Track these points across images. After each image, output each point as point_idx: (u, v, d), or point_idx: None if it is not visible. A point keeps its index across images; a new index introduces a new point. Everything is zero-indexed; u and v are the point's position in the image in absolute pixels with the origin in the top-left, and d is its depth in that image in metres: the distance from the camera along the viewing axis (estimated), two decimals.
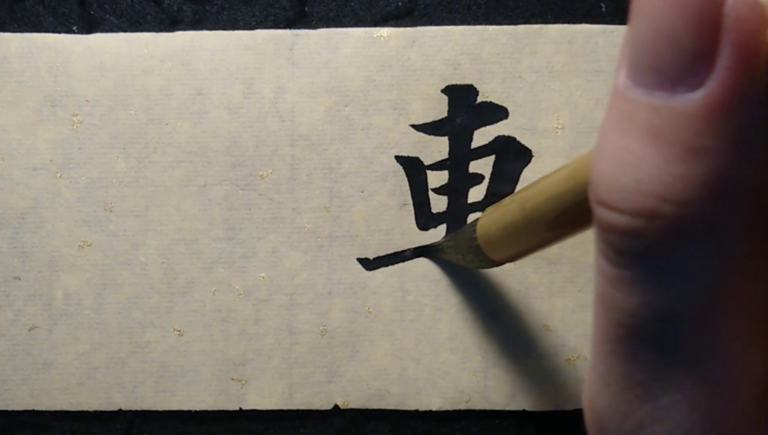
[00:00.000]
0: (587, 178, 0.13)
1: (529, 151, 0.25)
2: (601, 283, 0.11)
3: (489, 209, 0.20)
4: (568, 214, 0.15)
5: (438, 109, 0.25)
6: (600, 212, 0.10)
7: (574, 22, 0.25)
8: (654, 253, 0.09)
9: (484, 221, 0.20)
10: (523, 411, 0.25)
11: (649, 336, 0.10)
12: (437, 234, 0.26)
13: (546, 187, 0.16)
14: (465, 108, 0.25)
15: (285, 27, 0.26)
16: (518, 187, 0.25)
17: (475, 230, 0.21)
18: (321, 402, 0.25)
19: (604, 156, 0.10)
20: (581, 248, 0.25)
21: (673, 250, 0.09)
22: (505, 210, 0.19)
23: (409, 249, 0.25)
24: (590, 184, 0.10)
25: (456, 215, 0.25)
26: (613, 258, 0.10)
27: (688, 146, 0.09)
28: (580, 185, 0.14)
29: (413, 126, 0.25)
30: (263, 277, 0.25)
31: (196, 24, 0.26)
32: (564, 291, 0.25)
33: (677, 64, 0.09)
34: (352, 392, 0.25)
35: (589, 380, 0.12)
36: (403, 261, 0.25)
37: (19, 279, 0.25)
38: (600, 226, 0.10)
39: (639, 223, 0.09)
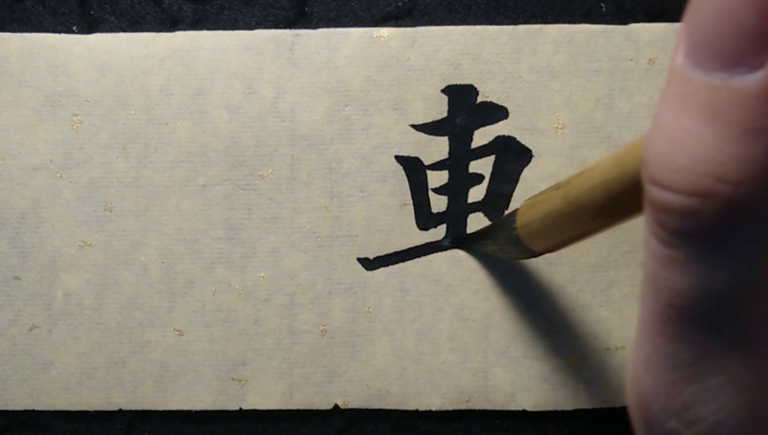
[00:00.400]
0: (635, 166, 0.13)
1: (529, 151, 0.25)
2: (651, 263, 0.11)
3: (528, 200, 0.20)
4: (614, 202, 0.15)
5: (438, 109, 0.25)
6: (653, 191, 0.10)
7: (574, 22, 0.25)
8: (707, 233, 0.09)
9: (524, 211, 0.20)
10: (523, 411, 0.25)
11: (698, 317, 0.10)
12: (437, 234, 0.26)
13: (590, 176, 0.16)
14: (465, 108, 0.25)
15: (285, 27, 0.26)
16: (518, 188, 0.25)
17: (514, 220, 0.21)
18: (321, 402, 0.25)
19: (659, 135, 0.10)
20: (581, 248, 0.25)
21: (726, 231, 0.09)
22: (547, 200, 0.18)
23: (445, 238, 0.25)
24: (643, 163, 0.10)
25: (456, 215, 0.25)
26: (665, 238, 0.10)
27: (745, 127, 0.09)
28: (626, 173, 0.14)
29: (413, 126, 0.25)
30: (263, 277, 0.25)
31: (196, 24, 0.26)
32: (564, 291, 0.25)
33: (738, 45, 0.09)
34: (352, 392, 0.25)
35: (633, 361, 0.12)
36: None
37: (19, 279, 0.25)
38: (652, 205, 0.10)
39: (693, 203, 0.09)
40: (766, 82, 0.09)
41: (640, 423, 0.12)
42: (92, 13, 0.26)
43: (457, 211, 0.26)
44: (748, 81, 0.09)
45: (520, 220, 0.20)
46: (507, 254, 0.23)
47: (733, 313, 0.10)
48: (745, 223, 0.09)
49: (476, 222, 0.26)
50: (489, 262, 0.25)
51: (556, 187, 0.18)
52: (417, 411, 0.25)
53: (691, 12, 0.10)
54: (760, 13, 0.09)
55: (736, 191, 0.09)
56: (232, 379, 0.25)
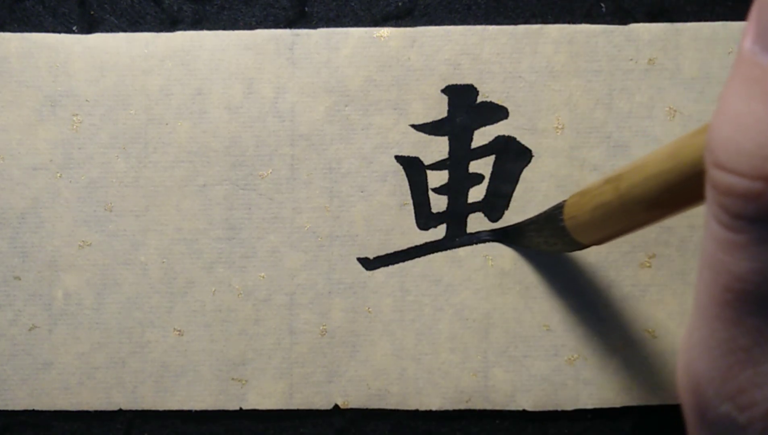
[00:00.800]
0: (692, 158, 0.13)
1: (529, 151, 0.25)
2: (711, 247, 0.11)
3: (576, 193, 0.20)
4: (669, 193, 0.15)
5: (438, 109, 0.25)
6: (717, 175, 0.10)
7: (574, 22, 0.25)
8: None
9: (571, 204, 0.20)
10: (523, 411, 0.25)
11: (758, 301, 0.10)
12: (437, 234, 0.26)
13: (644, 167, 0.16)
14: (465, 108, 0.25)
15: (285, 27, 0.26)
16: (518, 188, 0.25)
17: (562, 213, 0.21)
18: (321, 402, 0.25)
19: (725, 120, 0.10)
20: None
21: None
22: (596, 192, 0.19)
23: (484, 231, 0.25)
24: (708, 147, 0.10)
25: (456, 215, 0.25)
26: (727, 222, 0.10)
27: None
28: (684, 163, 0.14)
29: (413, 126, 0.25)
30: (263, 277, 0.25)
31: (196, 24, 0.26)
32: (564, 291, 0.25)
33: None
34: (352, 392, 0.25)
35: (687, 346, 0.12)
36: (478, 243, 0.25)
37: (19, 279, 0.25)
38: (716, 188, 0.10)
39: (757, 187, 0.09)
40: None
41: (692, 407, 0.11)
42: (92, 13, 0.26)
43: (457, 211, 0.26)
44: None
45: (568, 213, 0.20)
46: (552, 247, 0.23)
47: None
48: None
49: (476, 222, 0.26)
50: (489, 261, 0.25)
51: (606, 180, 0.18)
52: (417, 411, 0.25)
53: (762, 4, 0.10)
54: None
55: None
56: (232, 379, 0.25)
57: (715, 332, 0.11)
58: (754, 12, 0.10)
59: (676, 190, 0.15)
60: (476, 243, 0.25)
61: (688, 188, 0.14)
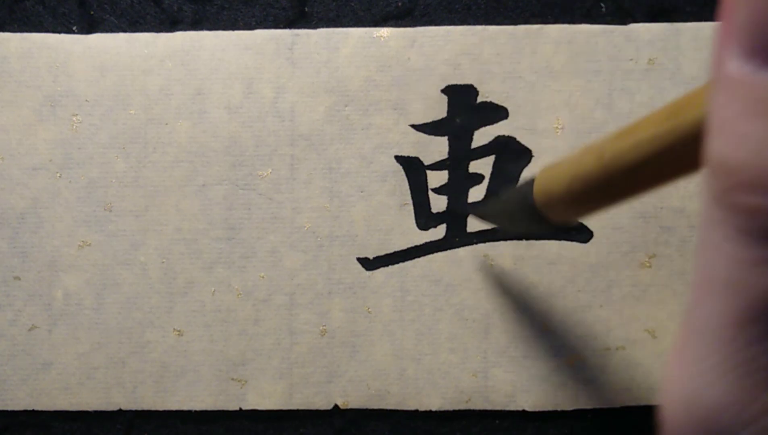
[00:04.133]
0: (694, 117, 0.13)
1: (529, 151, 0.25)
2: (727, 268, 0.11)
3: (549, 165, 0.19)
4: (665, 159, 0.14)
5: (438, 109, 0.25)
6: (738, 199, 0.10)
7: (574, 22, 0.25)
8: None
9: (543, 178, 0.19)
10: (523, 411, 0.25)
11: None
12: (437, 234, 0.25)
13: (634, 132, 0.15)
14: (465, 108, 0.25)
15: (285, 27, 0.26)
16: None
17: (531, 189, 0.19)
18: (321, 402, 0.25)
19: (736, 144, 0.10)
20: (581, 248, 0.25)
21: None
22: (575, 164, 0.17)
23: (483, 230, 0.25)
24: (718, 173, 0.10)
25: (456, 215, 0.25)
26: (748, 241, 0.10)
27: None
28: (685, 123, 0.13)
29: (413, 126, 0.25)
30: (263, 277, 0.25)
31: (196, 24, 0.26)
32: (564, 291, 0.25)
33: None
34: (352, 392, 0.25)
35: (688, 377, 0.11)
36: (478, 243, 0.25)
37: (19, 279, 0.25)
38: (737, 211, 0.10)
39: None
40: None
41: None
42: (92, 13, 0.26)
43: (457, 211, 0.25)
44: None
45: (538, 188, 0.19)
46: (518, 227, 0.21)
47: None
48: None
49: (476, 222, 0.26)
50: (488, 261, 0.25)
51: (585, 149, 0.17)
52: (417, 411, 0.25)
53: (747, 12, 0.09)
54: None
55: None
56: (232, 379, 0.25)
57: (731, 355, 0.11)
58: (731, 29, 0.10)
59: (673, 154, 0.14)
60: (476, 243, 0.25)
61: (686, 152, 0.13)
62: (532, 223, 0.20)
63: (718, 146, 0.10)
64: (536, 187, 0.19)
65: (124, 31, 0.26)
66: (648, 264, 0.25)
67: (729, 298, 0.11)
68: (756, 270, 0.10)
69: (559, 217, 0.19)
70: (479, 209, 0.24)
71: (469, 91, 0.25)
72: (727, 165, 0.10)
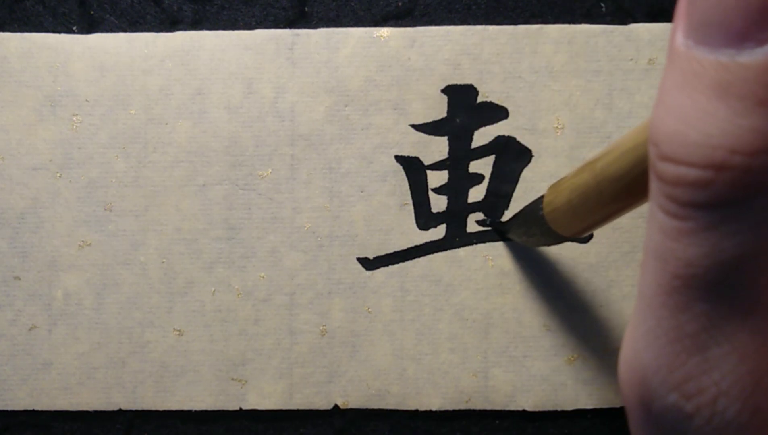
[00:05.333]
0: None
1: (529, 151, 0.25)
2: (657, 237, 0.11)
3: (557, 181, 0.19)
4: (645, 168, 0.14)
5: (438, 109, 0.25)
6: (664, 167, 0.10)
7: (574, 22, 0.25)
8: (721, 204, 0.10)
9: (550, 192, 0.19)
10: (523, 411, 0.25)
11: (705, 286, 0.10)
12: (437, 234, 0.25)
13: (620, 144, 0.15)
14: (465, 108, 0.25)
15: (285, 27, 0.26)
16: (518, 188, 0.25)
17: (541, 202, 0.20)
18: (321, 402, 0.25)
19: (668, 114, 0.10)
20: (581, 248, 0.25)
21: (739, 200, 0.10)
22: (574, 176, 0.18)
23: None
24: (652, 142, 0.11)
25: (456, 215, 0.25)
26: (675, 211, 0.10)
27: (758, 99, 0.09)
28: None
29: (413, 126, 0.25)
30: (263, 277, 0.25)
31: (196, 24, 0.26)
32: (564, 291, 0.25)
33: (744, 20, 0.09)
34: (352, 392, 0.25)
35: (631, 338, 0.12)
36: (478, 243, 0.25)
37: (19, 279, 0.25)
38: (663, 180, 0.10)
39: (708, 175, 0.10)
40: None
41: (637, 401, 0.12)
42: (92, 13, 0.26)
43: (457, 211, 0.25)
44: (759, 55, 0.09)
45: (547, 201, 0.20)
46: (531, 238, 0.22)
47: (739, 282, 0.10)
48: (757, 193, 0.10)
49: (476, 222, 0.26)
50: (489, 261, 0.25)
51: (584, 163, 0.17)
52: (417, 411, 0.25)
53: None
54: None
55: (750, 161, 0.09)
56: (232, 379, 0.25)
57: (661, 321, 0.11)
58: (683, 6, 0.10)
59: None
60: (476, 243, 0.25)
61: None
62: (544, 237, 0.21)
63: (654, 115, 0.10)
64: (545, 201, 0.20)
65: (124, 31, 0.26)
66: None
67: (658, 267, 0.11)
68: (681, 240, 0.10)
69: (566, 230, 0.19)
70: (502, 224, 0.25)
71: (469, 91, 0.25)
72: (656, 134, 0.10)
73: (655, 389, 0.11)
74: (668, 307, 0.11)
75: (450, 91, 0.25)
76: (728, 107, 0.09)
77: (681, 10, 0.10)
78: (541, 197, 0.20)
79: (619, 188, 0.15)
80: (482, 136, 0.25)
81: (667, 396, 0.11)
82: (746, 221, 0.10)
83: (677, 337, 0.11)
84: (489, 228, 0.25)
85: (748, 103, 0.09)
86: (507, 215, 0.25)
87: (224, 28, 0.26)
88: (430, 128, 0.25)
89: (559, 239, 0.20)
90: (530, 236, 0.22)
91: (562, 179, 0.19)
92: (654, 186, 0.11)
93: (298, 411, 0.26)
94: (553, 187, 0.19)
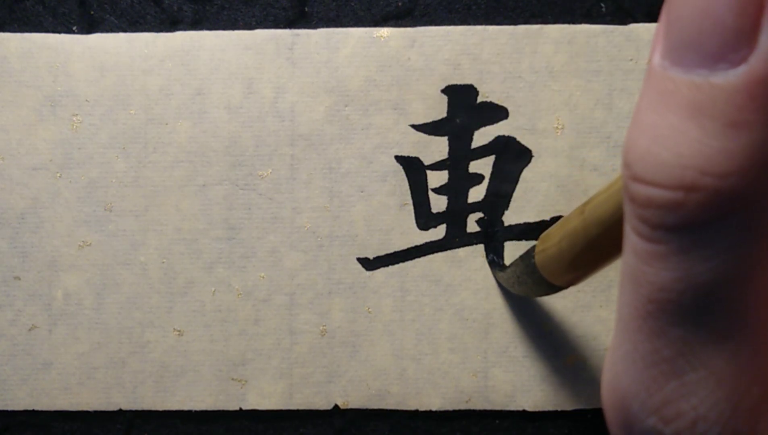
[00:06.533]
0: None
1: (529, 151, 0.25)
2: (631, 260, 0.11)
3: (550, 227, 0.19)
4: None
5: (438, 109, 0.25)
6: (635, 188, 0.10)
7: (574, 22, 0.25)
8: (692, 226, 0.10)
9: (542, 237, 0.19)
10: (523, 411, 0.25)
11: (679, 311, 0.10)
12: (437, 234, 0.25)
13: (610, 186, 0.15)
14: (465, 108, 0.25)
15: (285, 27, 0.26)
16: (518, 188, 0.25)
17: (534, 249, 0.19)
18: (321, 402, 0.25)
19: (641, 133, 0.10)
20: None
21: (711, 223, 0.10)
22: (565, 220, 0.17)
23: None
24: (624, 162, 0.10)
25: (456, 215, 0.25)
26: (647, 233, 0.10)
27: (729, 121, 0.09)
28: None
29: (413, 126, 0.25)
30: (263, 277, 0.25)
31: (196, 24, 0.26)
32: (564, 291, 0.25)
33: (719, 42, 0.09)
34: (352, 392, 0.25)
35: (611, 361, 0.12)
36: (478, 243, 0.25)
37: (19, 279, 0.25)
38: (635, 202, 0.10)
39: (678, 196, 0.10)
40: (749, 76, 0.09)
41: (618, 424, 0.12)
42: (92, 13, 0.26)
43: (457, 211, 0.26)
44: (731, 76, 0.09)
45: (539, 249, 0.19)
46: (522, 287, 0.21)
47: (714, 307, 0.10)
48: (728, 216, 0.09)
49: (476, 222, 0.26)
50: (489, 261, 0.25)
51: (575, 209, 0.17)
52: (417, 411, 0.25)
53: (669, 12, 0.10)
54: (740, 10, 0.09)
55: (721, 183, 0.09)
56: (232, 379, 0.25)
57: (638, 345, 0.11)
58: (661, 27, 0.10)
59: None
60: (476, 243, 0.25)
61: None
62: (536, 286, 0.20)
63: (627, 135, 0.10)
64: (537, 248, 0.19)
65: (124, 31, 0.26)
66: None
67: (633, 290, 0.11)
68: (653, 264, 0.10)
69: (558, 278, 0.19)
70: (499, 275, 0.24)
71: (469, 91, 0.25)
72: (629, 154, 0.10)
73: (635, 413, 0.11)
74: (644, 332, 0.11)
75: (450, 91, 0.25)
76: (700, 127, 0.09)
77: (659, 31, 0.10)
78: (533, 248, 0.20)
79: (606, 229, 0.15)
80: (482, 136, 0.25)
81: (647, 420, 0.11)
82: (719, 245, 0.10)
83: (654, 362, 0.11)
84: (489, 228, 0.25)
85: (719, 124, 0.09)
86: (507, 215, 0.25)
87: (224, 28, 0.26)
88: (430, 128, 0.25)
89: (549, 288, 0.20)
90: (521, 284, 0.21)
91: (553, 226, 0.18)
92: (627, 208, 0.11)
93: (298, 411, 0.26)
94: (544, 234, 0.19)
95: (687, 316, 0.10)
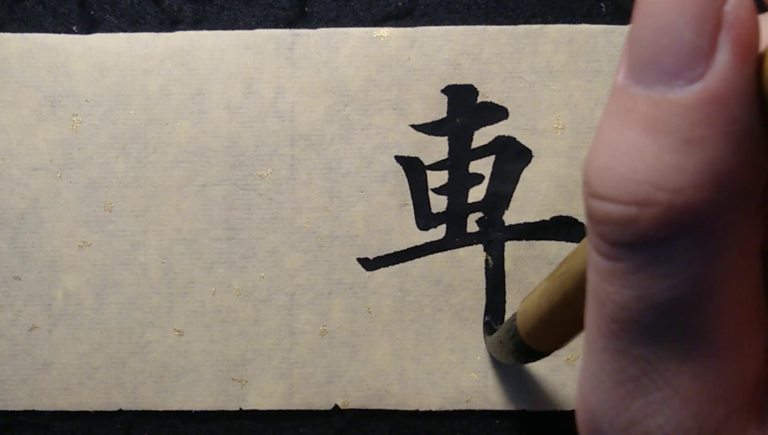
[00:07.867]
0: None
1: (529, 151, 0.25)
2: (594, 278, 0.11)
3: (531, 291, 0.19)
4: None
5: (438, 109, 0.25)
6: (593, 205, 0.10)
7: (574, 22, 0.25)
8: (646, 243, 0.10)
9: (523, 302, 0.19)
10: (523, 411, 0.25)
11: (641, 330, 0.10)
12: (437, 234, 0.25)
13: (582, 243, 0.15)
14: (465, 108, 0.25)
15: (285, 27, 0.26)
16: (518, 188, 0.25)
17: (515, 316, 0.19)
18: (321, 402, 0.25)
19: (600, 150, 0.10)
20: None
21: (665, 240, 0.10)
22: (543, 283, 0.17)
23: (486, 317, 0.25)
24: (583, 179, 0.11)
25: (456, 215, 0.25)
26: (606, 250, 0.10)
27: (684, 136, 0.09)
28: None
29: (413, 126, 0.25)
30: (263, 277, 0.25)
31: (196, 24, 0.26)
32: None
33: (677, 59, 0.09)
34: (352, 392, 0.25)
35: (581, 380, 0.12)
36: (478, 243, 0.25)
37: (19, 279, 0.25)
38: (593, 218, 0.10)
39: (632, 212, 0.10)
40: (704, 93, 0.09)
41: None
42: (92, 13, 0.26)
43: (457, 211, 0.25)
44: (687, 92, 0.09)
45: (520, 307, 0.19)
46: (503, 350, 0.21)
47: (675, 325, 0.10)
48: (683, 232, 0.09)
49: (476, 222, 0.26)
50: (488, 261, 0.25)
51: (553, 271, 0.17)
52: (417, 411, 0.25)
53: (632, 32, 0.10)
54: (698, 29, 0.09)
55: (675, 198, 0.09)
56: (232, 379, 0.25)
57: (604, 365, 0.11)
58: (626, 48, 0.10)
59: None
60: (476, 243, 0.25)
61: None
62: (518, 354, 0.20)
63: (588, 153, 0.10)
64: (518, 314, 0.19)
65: (124, 31, 0.26)
66: None
67: (597, 309, 0.11)
68: (613, 283, 0.10)
69: (540, 344, 0.19)
70: (486, 339, 0.24)
71: (469, 91, 0.25)
72: (587, 171, 0.10)
73: (604, 432, 0.11)
74: (609, 351, 0.11)
75: (450, 91, 0.25)
76: (655, 143, 0.09)
77: (623, 51, 0.10)
78: (515, 315, 0.20)
79: (581, 282, 0.15)
80: (482, 136, 0.25)
81: None
82: (677, 263, 0.10)
83: (620, 381, 0.11)
84: (489, 228, 0.25)
85: (674, 140, 0.09)
86: (507, 215, 0.25)
87: (224, 28, 0.26)
88: (430, 128, 0.25)
89: (530, 354, 0.19)
90: (503, 349, 0.21)
91: (533, 290, 0.18)
92: (587, 226, 0.11)
93: (298, 411, 0.26)
94: (525, 300, 0.19)
95: (649, 335, 0.10)
